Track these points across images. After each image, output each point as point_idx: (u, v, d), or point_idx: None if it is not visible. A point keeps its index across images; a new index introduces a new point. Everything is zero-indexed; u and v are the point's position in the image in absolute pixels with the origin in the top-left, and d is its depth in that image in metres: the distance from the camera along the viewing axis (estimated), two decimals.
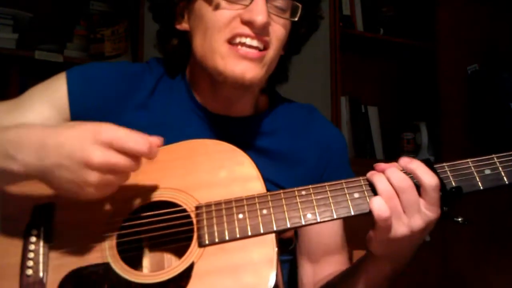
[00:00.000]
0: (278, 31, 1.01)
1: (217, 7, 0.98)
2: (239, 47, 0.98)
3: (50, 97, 1.04)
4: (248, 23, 0.96)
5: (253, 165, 0.92)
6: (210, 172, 0.92)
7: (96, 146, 0.78)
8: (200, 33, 1.01)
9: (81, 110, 1.03)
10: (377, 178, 0.86)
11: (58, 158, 0.79)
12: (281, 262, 0.90)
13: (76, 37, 2.41)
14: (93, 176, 0.78)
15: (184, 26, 1.06)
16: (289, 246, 1.12)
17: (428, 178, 0.84)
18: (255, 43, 0.98)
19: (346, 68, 2.94)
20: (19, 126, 0.88)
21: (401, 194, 0.84)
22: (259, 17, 0.95)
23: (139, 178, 0.92)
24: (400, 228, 0.85)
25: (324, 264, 1.12)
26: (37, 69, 2.28)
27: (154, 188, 0.91)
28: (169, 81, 1.11)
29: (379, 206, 0.83)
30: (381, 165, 0.87)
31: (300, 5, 1.01)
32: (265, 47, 0.99)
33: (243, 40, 0.98)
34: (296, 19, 1.02)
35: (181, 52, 1.09)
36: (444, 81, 3.07)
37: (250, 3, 0.96)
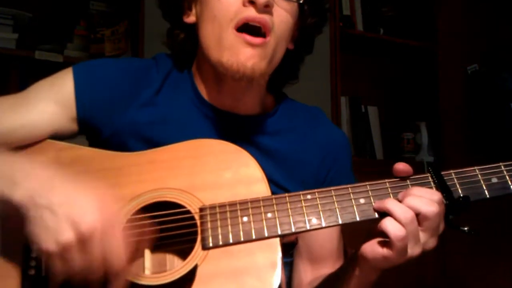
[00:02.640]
0: (282, 14, 1.00)
1: None
2: (245, 34, 0.97)
3: (56, 93, 1.02)
4: (250, 2, 0.96)
5: (258, 167, 0.91)
6: (214, 173, 0.91)
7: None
8: (207, 21, 1.01)
9: (87, 107, 1.02)
10: (392, 205, 0.84)
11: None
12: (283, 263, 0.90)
13: (76, 37, 2.41)
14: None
15: (191, 18, 1.07)
16: (291, 249, 1.12)
17: (431, 209, 0.83)
18: (257, 24, 0.97)
19: (346, 68, 2.94)
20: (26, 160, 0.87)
21: (425, 220, 0.83)
22: None
23: (143, 177, 0.92)
24: (416, 249, 0.84)
25: (319, 266, 1.11)
26: (37, 69, 2.28)
27: (158, 188, 0.90)
28: (176, 78, 1.10)
29: (393, 226, 0.82)
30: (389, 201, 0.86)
31: None
32: (268, 33, 0.98)
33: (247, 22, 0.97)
34: (301, 1, 1.02)
35: (188, 46, 1.09)
36: (444, 81, 3.07)
37: None
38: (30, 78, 2.29)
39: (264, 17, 0.97)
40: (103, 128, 1.03)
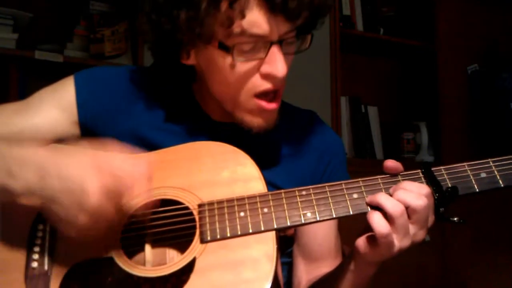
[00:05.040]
0: (288, 62, 0.98)
1: (234, 62, 0.94)
2: (263, 102, 0.97)
3: (58, 100, 1.04)
4: (268, 76, 0.95)
5: (254, 166, 0.94)
6: (213, 172, 0.94)
7: (95, 177, 0.79)
8: (219, 83, 0.99)
9: (88, 113, 1.04)
10: (383, 199, 0.86)
11: (57, 191, 0.80)
12: (281, 263, 0.92)
13: (76, 37, 2.41)
14: (92, 202, 0.78)
15: (190, 62, 1.01)
16: (291, 244, 1.13)
17: (420, 203, 0.85)
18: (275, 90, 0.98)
19: (346, 68, 2.95)
20: (25, 146, 0.88)
21: (414, 213, 0.85)
22: (279, 72, 0.93)
23: None
24: (406, 242, 0.86)
25: (317, 265, 1.12)
26: (37, 69, 2.28)
27: (158, 187, 0.93)
28: (177, 86, 1.10)
29: (378, 223, 0.85)
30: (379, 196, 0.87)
31: (310, 35, 0.98)
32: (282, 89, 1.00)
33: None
34: (308, 46, 0.99)
35: (186, 73, 1.06)
36: (444, 81, 3.08)
37: (266, 55, 0.93)
38: (30, 78, 2.30)
39: (282, 82, 0.97)
40: (103, 134, 1.05)
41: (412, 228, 0.86)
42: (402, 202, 0.85)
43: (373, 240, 0.87)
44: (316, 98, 2.71)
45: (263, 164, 0.95)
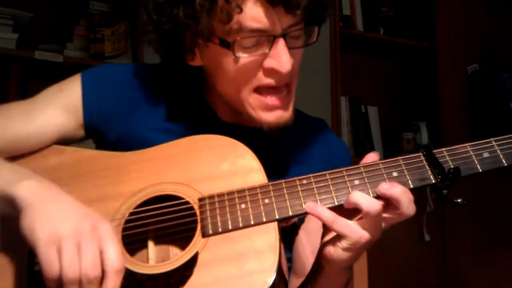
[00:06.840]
0: (297, 56, 0.97)
1: (236, 59, 0.92)
2: (267, 97, 0.96)
3: (64, 100, 1.04)
4: (271, 71, 0.94)
5: (254, 158, 0.93)
6: (212, 165, 0.93)
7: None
8: (222, 80, 0.98)
9: (93, 114, 1.04)
10: (359, 196, 0.84)
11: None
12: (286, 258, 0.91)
13: (76, 37, 2.41)
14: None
15: (196, 63, 1.01)
16: (294, 234, 1.11)
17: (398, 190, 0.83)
18: (281, 86, 0.96)
19: (346, 68, 2.95)
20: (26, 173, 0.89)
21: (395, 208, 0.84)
22: (284, 68, 0.92)
23: (143, 173, 0.94)
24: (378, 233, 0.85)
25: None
26: (37, 69, 2.29)
27: (157, 183, 0.93)
28: (183, 86, 1.09)
29: (366, 200, 0.83)
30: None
31: (316, 27, 0.97)
32: (289, 82, 0.98)
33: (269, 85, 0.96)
34: (315, 40, 0.98)
35: (194, 74, 1.06)
36: (444, 81, 3.08)
37: (270, 49, 0.91)
38: (30, 78, 2.30)
39: (288, 77, 0.95)
40: (108, 133, 1.05)
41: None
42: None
43: (340, 240, 0.85)
44: (316, 98, 2.71)
45: (270, 168, 0.94)
